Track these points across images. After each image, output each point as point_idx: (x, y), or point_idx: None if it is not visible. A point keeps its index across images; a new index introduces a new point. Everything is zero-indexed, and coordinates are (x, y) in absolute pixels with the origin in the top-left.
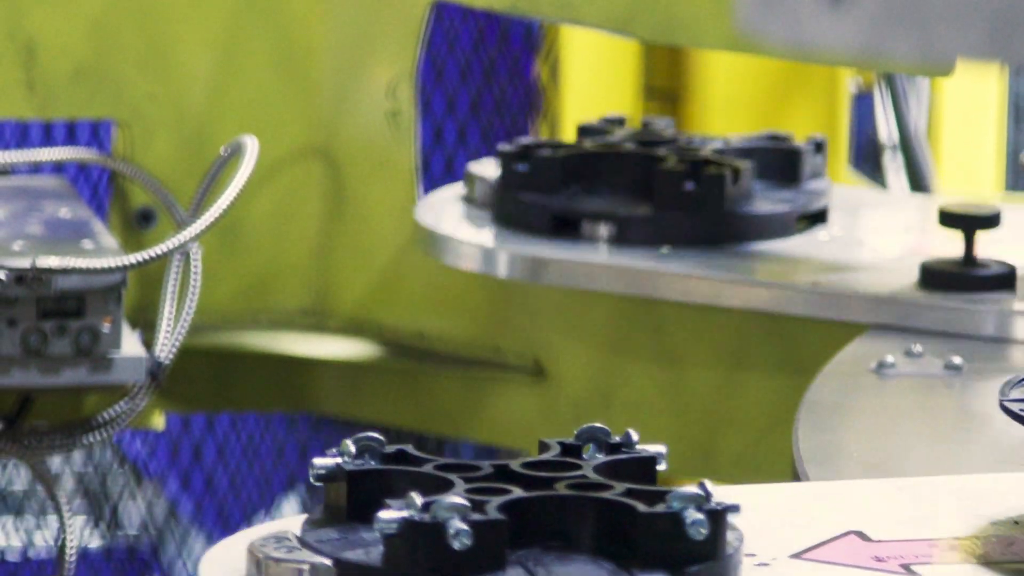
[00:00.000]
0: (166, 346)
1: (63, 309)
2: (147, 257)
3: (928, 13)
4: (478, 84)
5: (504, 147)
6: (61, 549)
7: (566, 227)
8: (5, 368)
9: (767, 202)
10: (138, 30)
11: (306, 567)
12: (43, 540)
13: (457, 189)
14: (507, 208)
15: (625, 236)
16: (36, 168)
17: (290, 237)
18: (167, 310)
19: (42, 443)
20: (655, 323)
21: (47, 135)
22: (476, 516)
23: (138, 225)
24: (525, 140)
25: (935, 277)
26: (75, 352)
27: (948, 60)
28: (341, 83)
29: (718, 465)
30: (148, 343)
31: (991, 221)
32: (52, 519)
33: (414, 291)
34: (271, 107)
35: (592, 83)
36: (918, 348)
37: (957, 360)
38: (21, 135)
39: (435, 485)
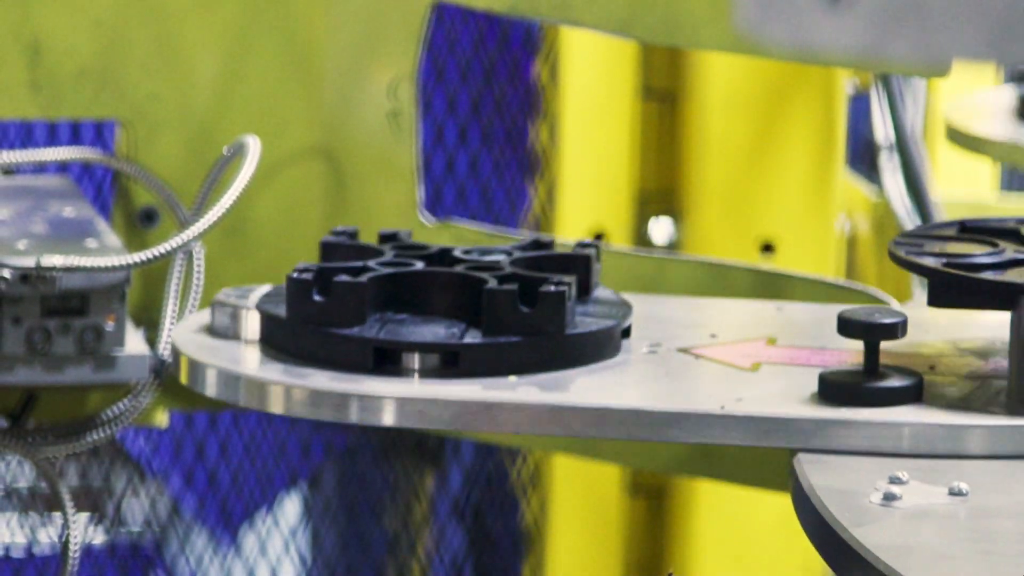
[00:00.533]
0: (169, 344)
1: (67, 307)
2: (150, 256)
3: (927, 14)
4: (478, 84)
5: (295, 275)
6: (65, 546)
7: (385, 361)
8: (10, 366)
9: (588, 318)
10: (143, 30)
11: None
12: (47, 537)
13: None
14: (311, 343)
15: (454, 367)
16: (41, 168)
17: (293, 236)
18: (170, 308)
19: (46, 440)
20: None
21: (51, 135)
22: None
23: (141, 224)
24: (311, 266)
25: (838, 391)
26: (79, 350)
27: (947, 61)
28: (344, 83)
29: (718, 465)
30: (151, 341)
31: (894, 330)
32: (56, 516)
33: None
34: (276, 107)
35: (591, 84)
36: (904, 474)
37: (963, 486)
38: (26, 135)
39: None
